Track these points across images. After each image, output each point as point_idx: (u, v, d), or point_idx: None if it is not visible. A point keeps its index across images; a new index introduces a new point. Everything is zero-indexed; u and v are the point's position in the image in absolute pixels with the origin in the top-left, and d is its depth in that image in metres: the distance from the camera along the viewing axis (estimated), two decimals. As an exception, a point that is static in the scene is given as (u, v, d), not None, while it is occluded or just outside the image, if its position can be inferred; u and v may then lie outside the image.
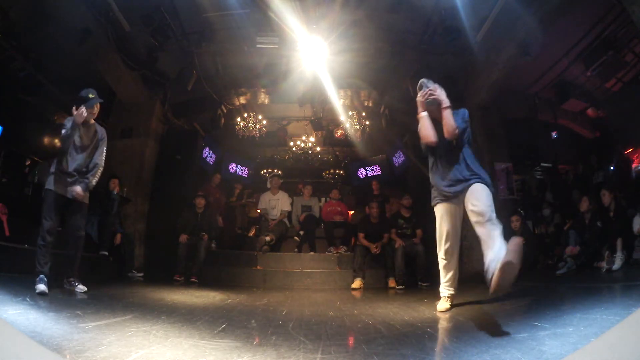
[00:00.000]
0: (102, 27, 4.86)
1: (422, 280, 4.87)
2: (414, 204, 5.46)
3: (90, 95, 3.19)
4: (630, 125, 6.18)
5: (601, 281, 3.63)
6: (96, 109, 3.27)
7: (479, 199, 2.48)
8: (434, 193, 2.82)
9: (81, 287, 3.14)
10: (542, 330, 1.72)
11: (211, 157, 7.70)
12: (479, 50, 5.05)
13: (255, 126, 8.58)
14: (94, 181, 3.26)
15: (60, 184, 3.11)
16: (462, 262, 5.69)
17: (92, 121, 3.28)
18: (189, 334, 1.88)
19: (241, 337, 1.87)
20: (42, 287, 2.70)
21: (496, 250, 2.11)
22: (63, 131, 3.11)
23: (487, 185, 2.57)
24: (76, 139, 3.17)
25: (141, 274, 5.00)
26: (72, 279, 3.18)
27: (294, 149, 10.11)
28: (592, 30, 5.25)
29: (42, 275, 2.79)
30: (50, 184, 3.09)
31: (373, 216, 5.30)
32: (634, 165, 6.50)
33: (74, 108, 3.10)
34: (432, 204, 2.84)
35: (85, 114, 3.09)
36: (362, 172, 8.92)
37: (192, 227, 5.24)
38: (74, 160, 3.17)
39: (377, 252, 5.00)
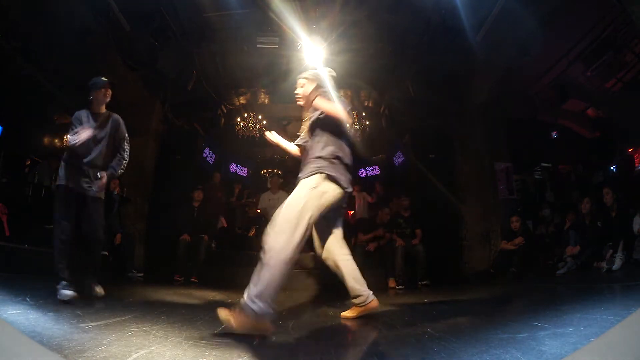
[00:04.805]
0: (102, 27, 4.86)
1: (422, 280, 4.87)
2: (412, 204, 5.48)
3: (103, 79, 3.10)
4: (631, 125, 6.17)
5: (601, 281, 3.63)
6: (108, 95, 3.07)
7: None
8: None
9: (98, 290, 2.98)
10: (542, 330, 1.72)
11: (211, 157, 7.69)
12: (479, 50, 5.05)
13: (255, 126, 8.58)
14: (119, 171, 3.06)
15: (73, 178, 2.83)
16: (462, 262, 5.75)
17: (104, 109, 3.07)
18: (189, 334, 1.87)
19: (241, 337, 1.86)
20: (66, 292, 2.52)
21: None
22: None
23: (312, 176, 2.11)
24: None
25: (141, 274, 5.00)
26: (95, 285, 2.97)
27: (294, 148, 10.09)
28: (592, 30, 5.25)
29: (63, 282, 2.59)
30: (61, 179, 2.83)
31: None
32: (636, 165, 6.47)
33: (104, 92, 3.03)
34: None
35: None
36: (362, 172, 8.91)
37: (190, 223, 5.24)
38: (90, 153, 2.89)
39: (371, 250, 5.16)
